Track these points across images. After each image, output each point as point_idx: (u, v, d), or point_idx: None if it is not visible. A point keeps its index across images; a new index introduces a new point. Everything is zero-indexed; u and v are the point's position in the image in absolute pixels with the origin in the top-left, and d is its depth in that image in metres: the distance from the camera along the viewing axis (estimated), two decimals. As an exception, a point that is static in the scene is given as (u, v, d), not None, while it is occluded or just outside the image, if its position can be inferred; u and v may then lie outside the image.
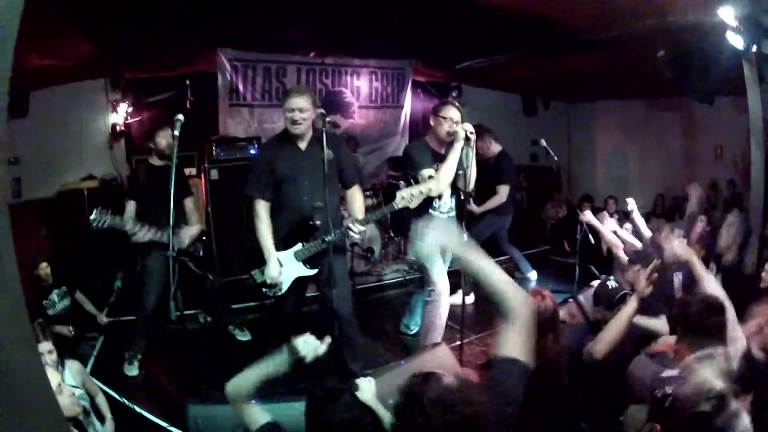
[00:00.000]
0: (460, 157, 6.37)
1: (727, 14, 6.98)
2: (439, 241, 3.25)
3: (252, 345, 7.65)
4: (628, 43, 9.43)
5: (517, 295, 3.02)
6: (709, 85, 8.60)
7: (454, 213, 6.89)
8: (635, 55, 9.91)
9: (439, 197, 6.65)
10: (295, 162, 5.87)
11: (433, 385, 2.53)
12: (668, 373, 3.74)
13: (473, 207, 8.81)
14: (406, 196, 5.67)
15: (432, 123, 6.75)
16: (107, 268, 8.69)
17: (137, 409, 5.59)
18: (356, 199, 6.18)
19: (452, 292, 7.01)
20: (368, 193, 10.76)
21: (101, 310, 7.73)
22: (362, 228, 5.87)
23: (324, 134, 5.60)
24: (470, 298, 8.34)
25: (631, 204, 7.72)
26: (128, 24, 7.75)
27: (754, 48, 7.16)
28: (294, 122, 5.70)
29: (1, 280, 2.26)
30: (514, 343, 2.94)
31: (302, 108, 5.66)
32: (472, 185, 6.64)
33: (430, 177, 6.15)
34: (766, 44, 7.05)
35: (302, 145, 5.91)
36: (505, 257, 10.76)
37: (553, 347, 4.35)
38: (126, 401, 5.61)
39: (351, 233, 5.82)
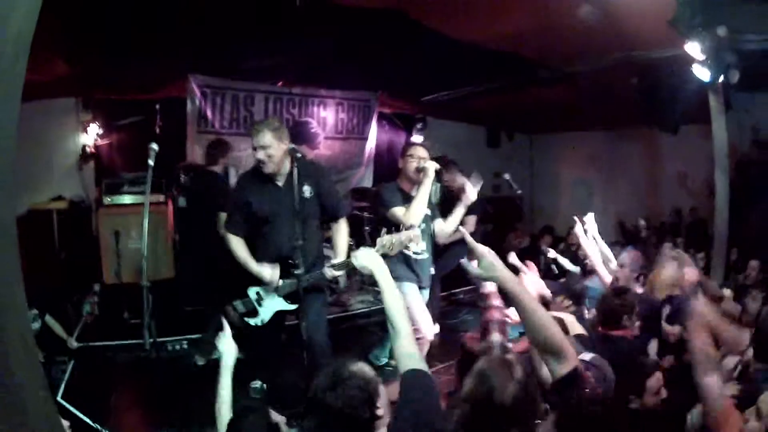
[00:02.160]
0: (429, 194, 6.49)
1: (694, 49, 7.18)
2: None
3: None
4: (594, 75, 9.60)
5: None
6: (674, 115, 8.82)
7: (427, 255, 6.88)
8: (600, 87, 10.11)
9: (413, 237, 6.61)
10: (272, 200, 5.78)
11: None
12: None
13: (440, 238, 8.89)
14: (387, 244, 5.43)
15: (400, 165, 6.82)
16: (76, 291, 8.58)
17: (108, 434, 5.53)
18: (340, 235, 6.08)
19: None
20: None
21: (71, 335, 7.63)
22: (337, 273, 5.82)
23: (296, 171, 5.50)
24: (436, 328, 8.39)
25: (590, 223, 7.19)
26: (103, 45, 7.77)
27: (721, 78, 7.36)
28: (260, 162, 5.60)
29: (13, 305, 2.26)
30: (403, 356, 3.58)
31: (265, 145, 5.54)
32: (450, 229, 6.82)
33: (411, 226, 6.06)
34: (733, 74, 7.25)
35: (280, 181, 5.81)
36: (471, 287, 10.83)
37: None
38: (99, 427, 5.54)
39: (326, 276, 5.77)
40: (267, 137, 5.50)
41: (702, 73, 7.49)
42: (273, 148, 5.54)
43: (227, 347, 4.37)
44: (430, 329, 6.72)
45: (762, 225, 8.72)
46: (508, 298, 3.24)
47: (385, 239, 5.44)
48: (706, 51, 7.23)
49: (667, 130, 9.57)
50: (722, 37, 7.05)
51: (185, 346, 8.45)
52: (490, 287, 4.72)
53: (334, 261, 5.83)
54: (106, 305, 8.59)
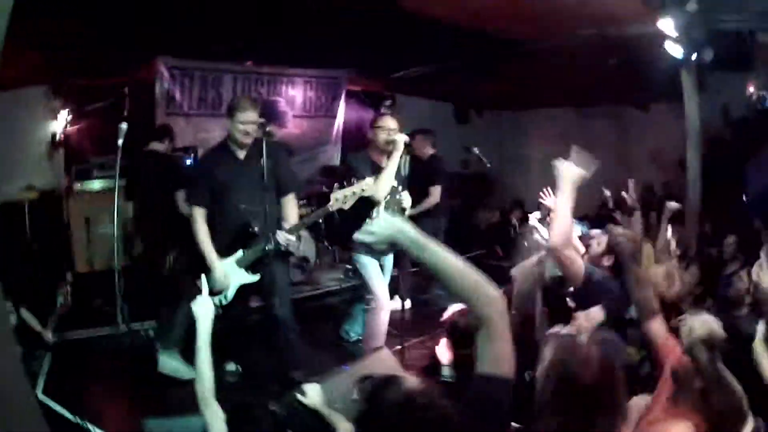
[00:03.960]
0: (399, 166, 6.67)
1: (666, 26, 7.19)
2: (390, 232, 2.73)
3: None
4: (565, 52, 9.59)
5: (487, 295, 2.63)
6: (646, 93, 8.85)
7: None
8: (571, 64, 10.09)
9: (376, 209, 6.67)
10: (234, 171, 6.08)
11: (393, 390, 2.46)
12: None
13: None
14: (340, 198, 5.85)
15: (370, 136, 6.93)
16: (49, 282, 8.47)
17: (91, 427, 5.48)
18: (290, 206, 6.34)
19: (390, 297, 7.15)
20: (303, 202, 10.70)
21: (46, 327, 7.52)
22: (290, 237, 5.97)
23: (264, 144, 5.81)
24: (408, 303, 8.52)
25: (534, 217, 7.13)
26: (71, 30, 7.66)
27: (694, 57, 7.39)
28: (247, 134, 5.97)
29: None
30: (486, 356, 2.63)
31: (254, 121, 5.95)
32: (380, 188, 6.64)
33: (362, 179, 6.21)
34: (708, 53, 7.28)
35: (241, 154, 6.14)
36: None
37: None
38: (79, 420, 5.49)
39: (279, 241, 5.91)
40: (255, 114, 5.99)
41: (675, 50, 7.52)
42: (256, 124, 5.97)
43: (203, 309, 3.79)
44: (386, 296, 6.93)
45: (735, 203, 8.82)
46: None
47: (338, 193, 5.86)
48: (678, 28, 7.26)
49: (638, 107, 9.63)
50: (693, 14, 7.08)
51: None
52: None
53: (287, 226, 6.04)
54: (79, 294, 8.50)
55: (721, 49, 7.34)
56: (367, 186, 5.92)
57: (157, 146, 8.05)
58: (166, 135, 8.70)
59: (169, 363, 6.54)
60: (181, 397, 6.11)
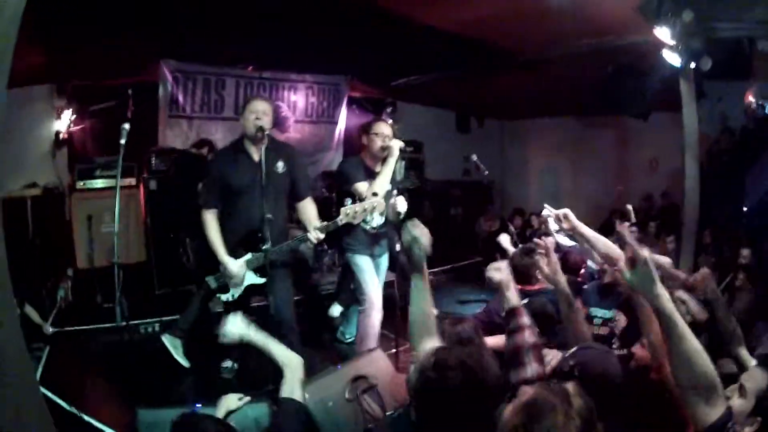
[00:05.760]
0: (394, 172, 6.59)
1: (664, 34, 7.25)
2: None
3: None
4: (564, 62, 9.65)
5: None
6: (644, 102, 8.87)
7: (384, 229, 6.99)
8: (570, 74, 10.15)
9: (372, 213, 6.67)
10: (247, 173, 5.94)
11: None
12: None
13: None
14: (350, 213, 5.67)
15: (365, 141, 6.83)
16: (50, 277, 8.53)
17: (86, 418, 5.51)
18: (309, 210, 6.20)
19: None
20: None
21: (46, 321, 7.57)
22: (321, 236, 5.82)
23: (271, 147, 5.78)
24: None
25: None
26: (78, 31, 7.71)
27: (692, 65, 7.44)
28: (258, 120, 5.81)
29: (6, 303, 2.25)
30: None
31: (266, 111, 5.86)
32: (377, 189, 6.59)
33: (374, 194, 6.18)
34: (705, 62, 7.33)
35: (256, 156, 5.96)
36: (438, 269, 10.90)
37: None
38: (76, 411, 5.52)
39: (310, 240, 5.78)
40: (264, 105, 5.91)
41: (673, 59, 7.57)
42: (267, 116, 5.88)
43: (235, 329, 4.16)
44: (378, 297, 6.83)
45: (733, 212, 8.85)
46: (660, 319, 2.67)
47: (348, 208, 5.67)
48: (676, 36, 7.31)
49: (637, 116, 9.66)
50: (688, 23, 7.13)
51: (157, 329, 8.34)
52: (513, 300, 3.68)
53: (318, 225, 5.85)
54: (79, 290, 8.57)
55: (720, 57, 7.38)
56: (377, 204, 5.88)
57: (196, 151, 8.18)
58: (206, 145, 8.84)
59: (170, 339, 6.69)
60: (173, 390, 6.41)
